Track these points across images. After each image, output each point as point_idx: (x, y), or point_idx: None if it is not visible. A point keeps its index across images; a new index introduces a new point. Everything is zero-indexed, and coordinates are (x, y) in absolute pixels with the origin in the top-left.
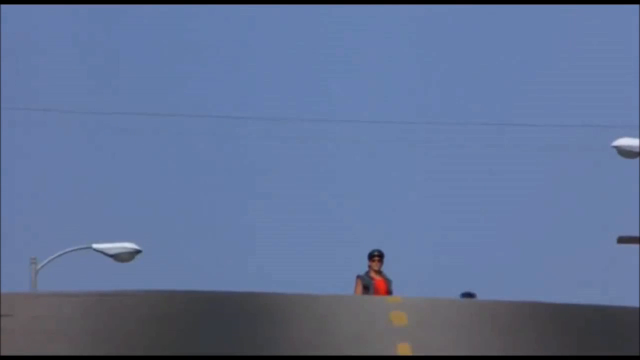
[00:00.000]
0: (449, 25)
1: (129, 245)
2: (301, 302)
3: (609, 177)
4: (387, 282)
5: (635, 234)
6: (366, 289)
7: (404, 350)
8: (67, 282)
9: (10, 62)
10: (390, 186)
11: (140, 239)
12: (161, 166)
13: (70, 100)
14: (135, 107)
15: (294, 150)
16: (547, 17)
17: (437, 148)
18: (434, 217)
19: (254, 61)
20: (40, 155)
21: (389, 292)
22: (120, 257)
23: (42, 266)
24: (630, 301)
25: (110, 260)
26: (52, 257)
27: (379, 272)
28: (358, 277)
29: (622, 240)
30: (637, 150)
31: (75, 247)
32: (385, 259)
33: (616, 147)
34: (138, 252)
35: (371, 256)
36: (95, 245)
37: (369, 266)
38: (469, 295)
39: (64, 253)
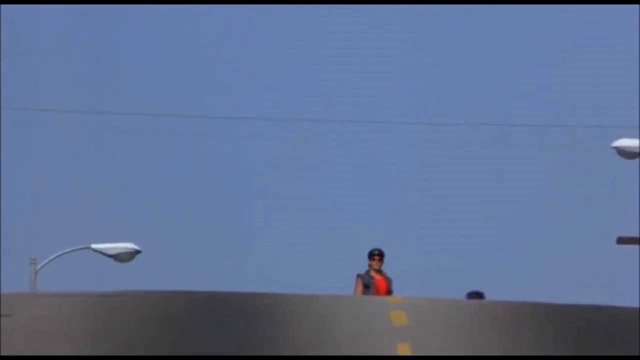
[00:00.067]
0: (449, 25)
1: (129, 246)
2: (301, 302)
3: (609, 177)
4: (388, 281)
5: (635, 234)
6: (366, 287)
7: (403, 350)
8: (67, 283)
9: (10, 62)
10: (390, 186)
11: (139, 239)
12: (161, 166)
13: (70, 100)
14: (135, 107)
15: (294, 150)
16: (547, 17)
17: (437, 148)
18: (433, 217)
19: (254, 61)
20: (40, 155)
21: (389, 291)
22: (120, 258)
23: (42, 266)
24: (630, 301)
25: (110, 260)
26: (51, 257)
27: (379, 271)
28: (358, 276)
29: (621, 240)
30: (637, 150)
31: (75, 248)
32: (385, 259)
33: (616, 148)
34: (138, 252)
35: (371, 255)
36: (94, 246)
37: (369, 265)
38: (477, 294)
39: (64, 253)
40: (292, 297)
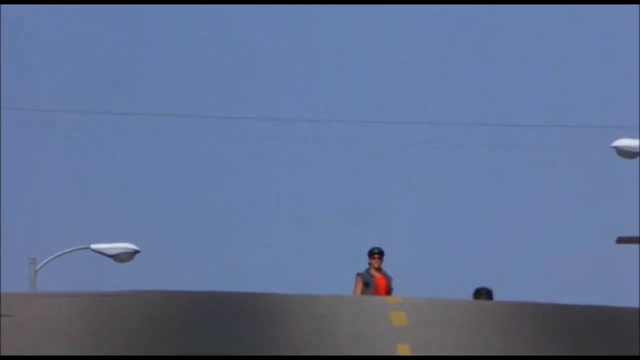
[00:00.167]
0: (449, 25)
1: (128, 246)
2: (301, 302)
3: (609, 177)
4: (388, 279)
5: (635, 234)
6: (366, 286)
7: (403, 350)
8: (66, 283)
9: (10, 62)
10: (390, 186)
11: (139, 239)
12: (160, 166)
13: (70, 100)
14: (135, 107)
15: (294, 150)
16: (547, 17)
17: (437, 148)
18: (433, 217)
19: (254, 61)
20: (40, 155)
21: (389, 289)
22: (120, 258)
23: (42, 266)
24: (630, 301)
25: (110, 260)
26: (51, 257)
27: (379, 270)
28: (358, 274)
29: (621, 240)
30: (637, 150)
31: (75, 248)
32: (385, 258)
33: (616, 148)
34: (137, 252)
35: (371, 254)
36: (94, 246)
37: (369, 264)
38: (485, 291)
39: (63, 253)
40: (292, 297)
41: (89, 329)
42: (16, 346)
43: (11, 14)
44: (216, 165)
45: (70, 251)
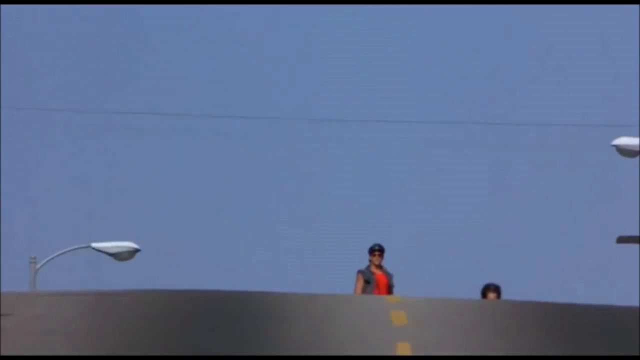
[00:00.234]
0: (449, 25)
1: (129, 244)
2: (301, 302)
3: (609, 176)
4: (388, 276)
5: (635, 233)
6: (367, 283)
7: (403, 349)
8: (67, 282)
9: (10, 62)
10: (390, 186)
11: (139, 238)
12: (161, 165)
13: (70, 100)
14: (135, 107)
15: (293, 149)
16: (547, 17)
17: (437, 148)
18: (433, 217)
19: (253, 61)
20: (40, 155)
21: (390, 286)
22: (120, 256)
23: (42, 265)
24: (630, 301)
25: (110, 259)
26: (51, 256)
27: (379, 267)
28: (359, 271)
29: (621, 240)
30: (637, 149)
31: (75, 246)
32: (385, 254)
33: (616, 146)
34: (137, 251)
35: (372, 251)
36: (94, 244)
37: (370, 261)
38: (493, 286)
39: (64, 252)
40: (292, 297)
41: (89, 328)
42: (16, 346)
43: (11, 14)
44: (216, 165)
45: (71, 250)
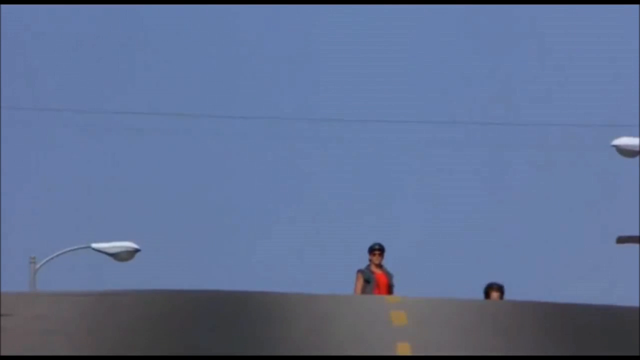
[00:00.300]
0: (449, 25)
1: (129, 245)
2: (301, 302)
3: (609, 176)
4: (389, 275)
5: (635, 233)
6: (367, 282)
7: (403, 350)
8: (66, 282)
9: (10, 62)
10: (391, 186)
11: (139, 238)
12: (161, 165)
13: (70, 100)
14: (135, 107)
15: (293, 149)
16: (547, 17)
17: (437, 148)
18: (433, 217)
19: (253, 61)
20: (40, 155)
21: (390, 285)
22: (120, 256)
23: (42, 265)
24: (630, 301)
25: (110, 259)
26: (51, 256)
27: (379, 266)
28: (359, 271)
29: (621, 240)
30: (637, 149)
31: (75, 247)
32: (385, 255)
33: (616, 147)
34: (137, 251)
35: (372, 250)
36: (94, 245)
37: (370, 260)
38: (497, 286)
39: (63, 252)
40: (292, 297)
41: (88, 328)
42: (16, 346)
43: (11, 14)
44: (216, 165)
45: (71, 250)
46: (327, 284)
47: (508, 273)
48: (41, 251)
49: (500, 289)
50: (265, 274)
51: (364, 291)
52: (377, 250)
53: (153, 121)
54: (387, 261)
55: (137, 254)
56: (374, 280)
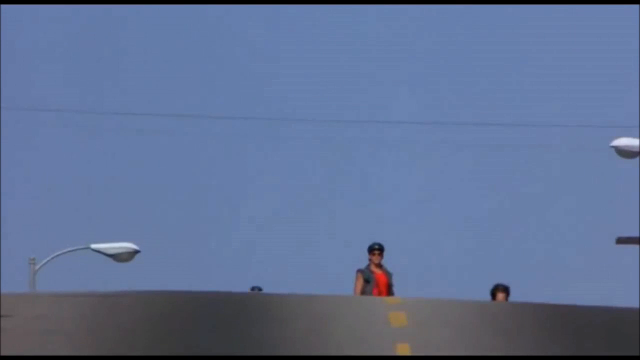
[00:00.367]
0: (449, 25)
1: (128, 245)
2: (301, 302)
3: (609, 177)
4: (388, 275)
5: (635, 234)
6: (367, 282)
7: (403, 350)
8: (66, 283)
9: (10, 62)
10: (390, 186)
11: (139, 239)
12: (160, 166)
13: (70, 100)
14: (134, 107)
15: (293, 150)
16: (547, 17)
17: (437, 148)
18: (433, 217)
19: (253, 61)
20: (39, 155)
21: (389, 285)
22: (120, 257)
23: (41, 266)
24: (630, 301)
25: (110, 260)
26: (50, 257)
27: (379, 266)
28: (358, 271)
29: (621, 240)
30: (637, 150)
31: (74, 247)
32: (385, 254)
33: (615, 147)
34: (137, 252)
35: (371, 250)
36: (94, 245)
37: (370, 260)
38: (503, 287)
39: (63, 253)
40: (292, 297)
41: (88, 328)
42: (16, 346)
43: (11, 14)
44: (216, 165)
45: (70, 251)
46: (327, 284)
47: (508, 273)
48: (41, 252)
49: (506, 289)
50: (265, 274)
51: (363, 291)
52: (376, 250)
53: (153, 121)
54: (387, 261)
55: (137, 255)
56: (374, 279)
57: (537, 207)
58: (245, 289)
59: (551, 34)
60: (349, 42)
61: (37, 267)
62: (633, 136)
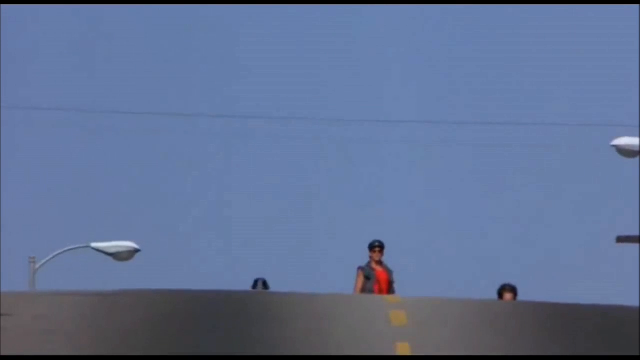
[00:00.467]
0: (448, 25)
1: (128, 244)
2: (300, 302)
3: (609, 176)
4: (389, 272)
5: (636, 233)
6: (368, 279)
7: (403, 349)
8: (66, 282)
9: (10, 62)
10: (390, 186)
11: (139, 238)
12: (160, 165)
13: (70, 100)
14: (135, 106)
15: (293, 149)
16: (547, 17)
17: (437, 148)
18: (432, 217)
19: (253, 61)
20: (39, 155)
21: (390, 282)
22: (120, 256)
23: (41, 265)
24: (630, 301)
25: (110, 259)
26: (51, 256)
27: (380, 263)
28: (359, 268)
29: (621, 239)
30: (637, 149)
31: (74, 246)
32: (385, 254)
33: (616, 147)
34: (137, 251)
35: (372, 247)
36: (94, 244)
37: (370, 257)
38: (510, 287)
39: (63, 252)
40: (292, 297)
41: (89, 328)
42: (16, 346)
43: (11, 14)
44: (216, 165)
45: (70, 250)
46: (327, 283)
47: (508, 273)
48: (41, 251)
49: (513, 290)
50: (265, 274)
51: (364, 287)
52: (377, 247)
53: (153, 121)
54: (387, 261)
55: (137, 254)
56: (374, 276)
57: (537, 207)
58: (246, 288)
59: (551, 34)
60: (349, 42)
61: (37, 266)
62: (633, 135)
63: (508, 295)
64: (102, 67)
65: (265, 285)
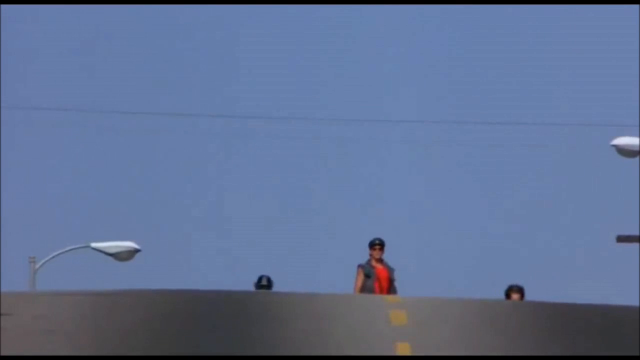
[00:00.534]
0: (449, 25)
1: (128, 244)
2: (300, 302)
3: (609, 176)
4: (389, 270)
5: (636, 232)
6: (368, 277)
7: (403, 349)
8: (66, 282)
9: (10, 62)
10: (390, 185)
11: (139, 238)
12: (161, 165)
13: (70, 100)
14: (135, 106)
15: (293, 149)
16: (547, 17)
17: (437, 148)
18: (432, 217)
19: (253, 61)
20: (39, 155)
21: (390, 280)
22: (120, 256)
23: (41, 265)
24: (630, 301)
25: (110, 259)
26: (51, 256)
27: (380, 261)
28: (359, 266)
29: (621, 239)
30: (637, 149)
31: (74, 246)
32: (386, 254)
33: (615, 146)
34: (137, 251)
35: (372, 245)
36: (94, 244)
37: (370, 255)
38: (517, 288)
39: (63, 252)
40: (291, 297)
41: (89, 328)
42: (16, 346)
43: (11, 14)
44: (216, 165)
45: (70, 250)
46: (327, 283)
47: (507, 273)
48: (41, 251)
49: (520, 290)
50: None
51: (364, 285)
52: (377, 245)
53: (153, 121)
54: (388, 260)
55: (137, 254)
56: (375, 274)
57: (537, 207)
58: (246, 288)
59: (551, 33)
60: (349, 42)
61: (37, 266)
62: (633, 135)
63: (515, 296)
64: (102, 67)
65: (269, 281)
